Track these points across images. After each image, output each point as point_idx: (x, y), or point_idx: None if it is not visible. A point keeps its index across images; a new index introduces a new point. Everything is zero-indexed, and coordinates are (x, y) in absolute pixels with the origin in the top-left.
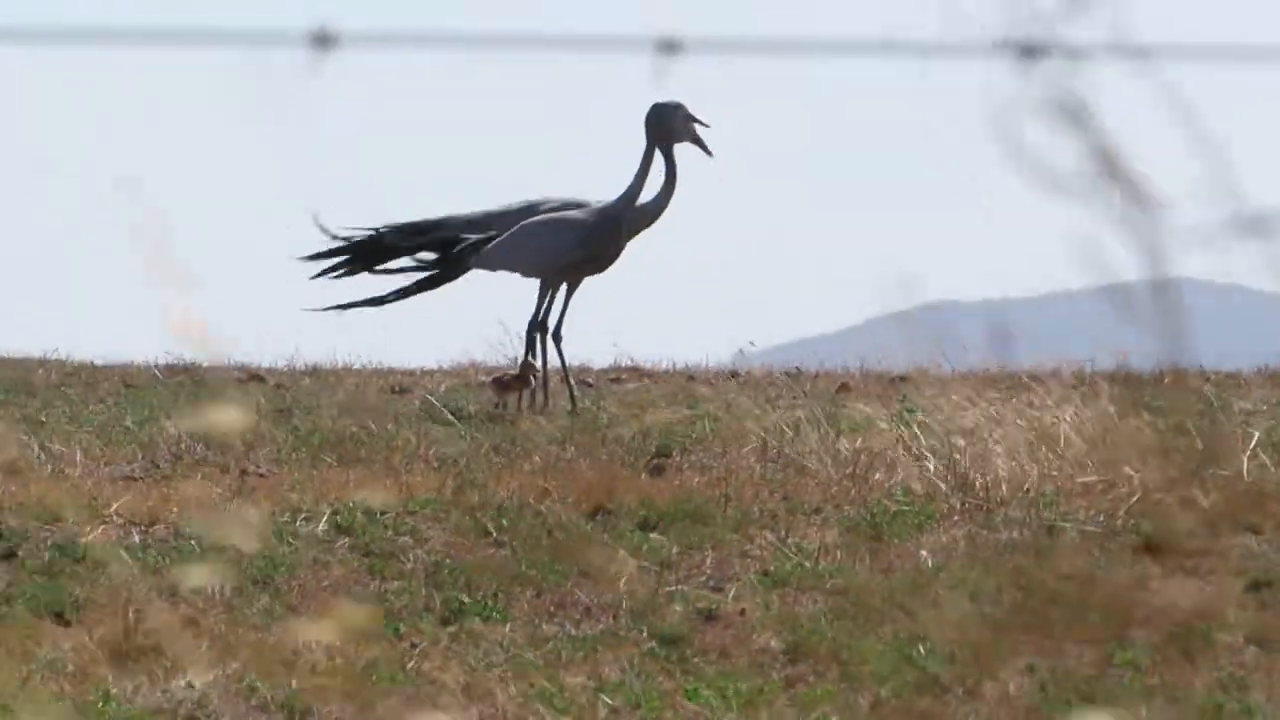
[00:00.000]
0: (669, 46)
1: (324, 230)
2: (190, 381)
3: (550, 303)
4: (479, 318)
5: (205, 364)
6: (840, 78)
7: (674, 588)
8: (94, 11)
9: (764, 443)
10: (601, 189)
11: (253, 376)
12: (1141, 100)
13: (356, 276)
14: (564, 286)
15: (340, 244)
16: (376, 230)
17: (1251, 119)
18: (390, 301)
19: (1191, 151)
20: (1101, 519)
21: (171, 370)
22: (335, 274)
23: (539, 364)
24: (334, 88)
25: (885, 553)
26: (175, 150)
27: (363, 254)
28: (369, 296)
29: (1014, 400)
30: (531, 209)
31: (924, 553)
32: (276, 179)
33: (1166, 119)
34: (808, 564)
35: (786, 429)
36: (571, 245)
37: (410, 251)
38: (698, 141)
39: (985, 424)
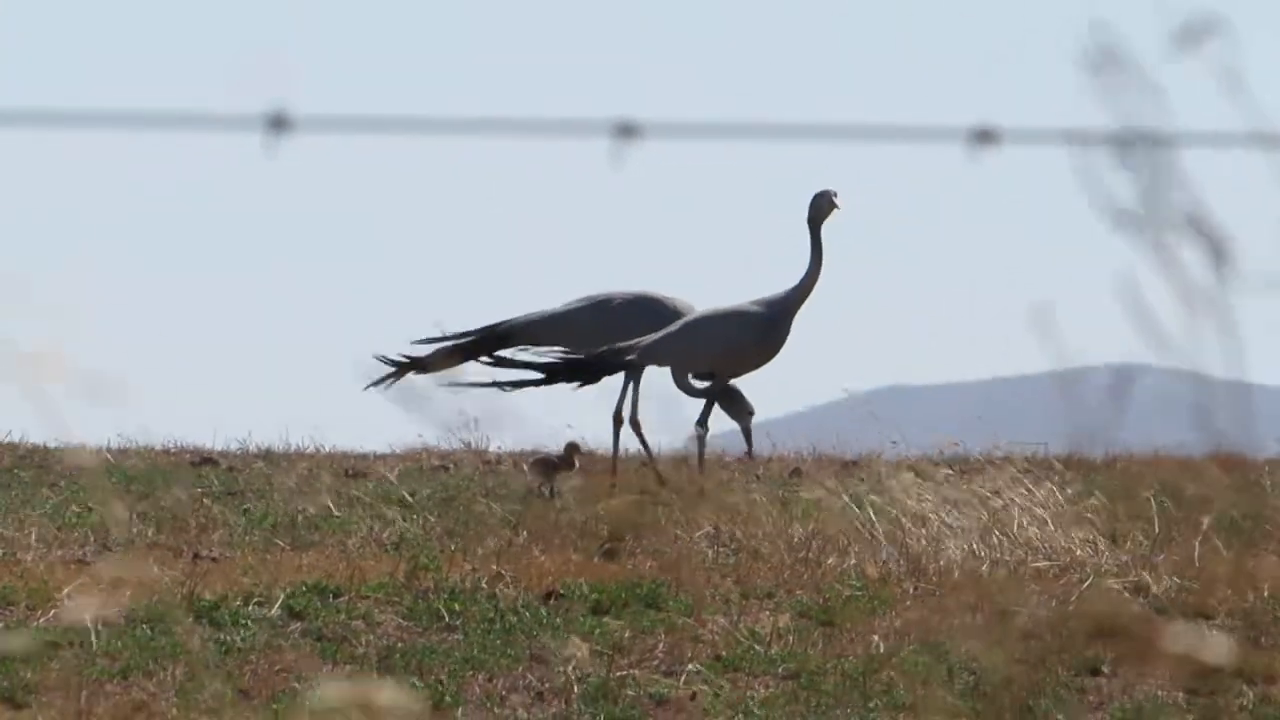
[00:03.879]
0: (626, 130)
1: (382, 359)
2: (142, 464)
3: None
4: (428, 402)
5: (157, 448)
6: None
7: (626, 672)
8: (46, 92)
9: (716, 526)
10: (567, 273)
11: (205, 459)
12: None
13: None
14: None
15: (403, 359)
16: (447, 338)
17: None
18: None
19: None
20: (1053, 604)
21: (124, 453)
22: (392, 380)
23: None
24: (291, 170)
25: (838, 637)
26: (123, 228)
27: (423, 365)
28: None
29: (966, 484)
30: (603, 305)
31: (876, 637)
32: (231, 261)
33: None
34: (760, 648)
35: (739, 512)
36: (752, 339)
37: (484, 351)
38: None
39: (938, 508)
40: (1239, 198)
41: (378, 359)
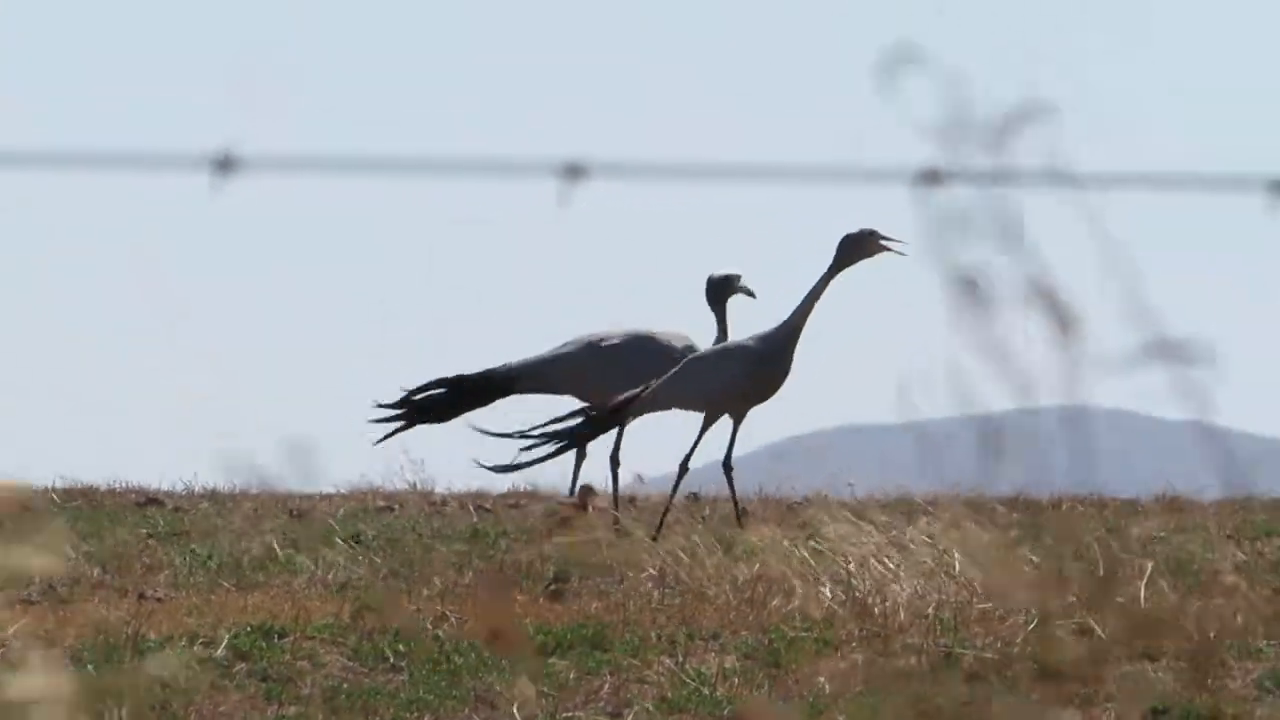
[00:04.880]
0: (573, 171)
1: (381, 404)
2: (87, 505)
3: (727, 437)
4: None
5: (102, 488)
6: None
7: (571, 713)
8: None
9: (662, 568)
10: (516, 311)
11: (151, 500)
12: (1063, 225)
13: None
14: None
15: (404, 402)
16: (444, 383)
17: (1164, 246)
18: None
19: (1108, 276)
20: (999, 646)
21: (68, 494)
22: (398, 428)
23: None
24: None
25: (783, 679)
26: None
27: (433, 409)
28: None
29: (912, 526)
30: (595, 346)
31: (822, 679)
32: (173, 303)
33: (1087, 245)
34: (705, 690)
35: (684, 555)
36: (747, 374)
37: (481, 403)
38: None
39: (883, 550)
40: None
41: (380, 410)
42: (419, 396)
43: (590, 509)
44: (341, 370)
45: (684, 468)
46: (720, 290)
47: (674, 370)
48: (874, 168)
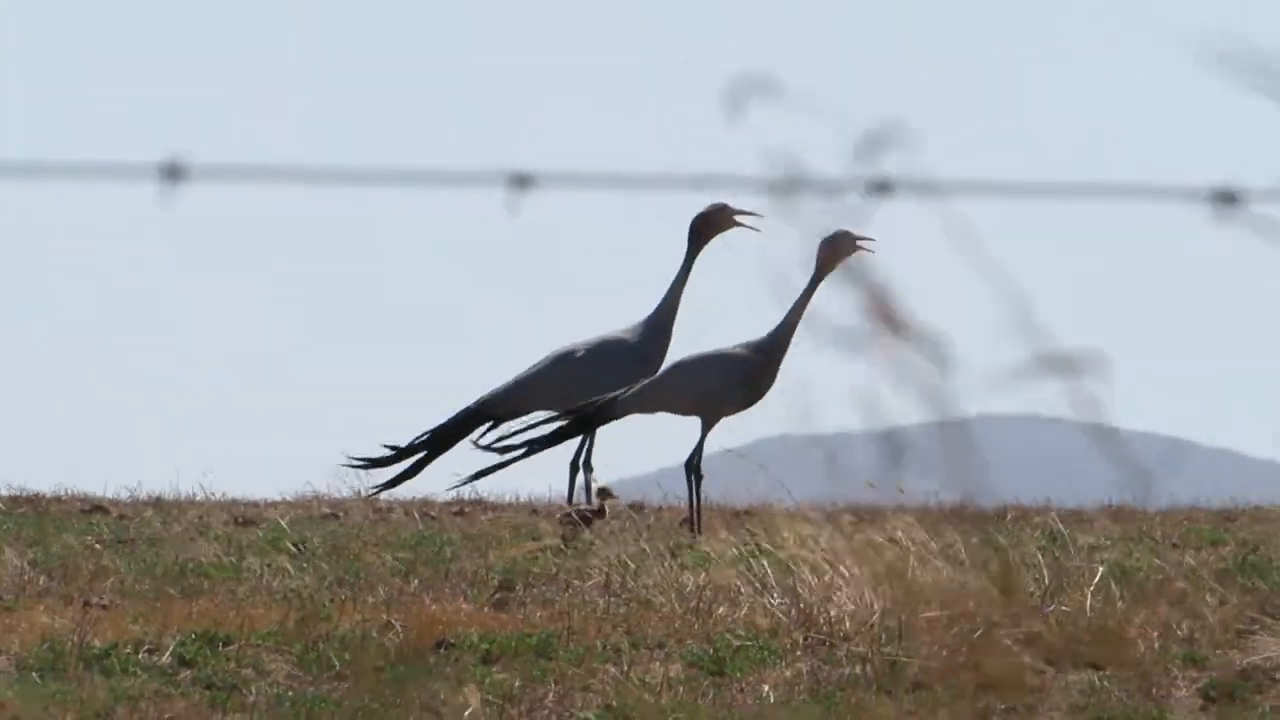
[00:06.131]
0: (521, 181)
1: (364, 460)
2: (33, 513)
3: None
4: (320, 449)
5: (48, 495)
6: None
7: None
8: None
9: (607, 576)
10: (466, 322)
11: (96, 507)
12: (937, 242)
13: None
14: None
15: (389, 460)
16: (436, 430)
17: (1043, 259)
18: (527, 455)
19: (991, 292)
20: (944, 654)
21: (14, 501)
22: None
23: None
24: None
25: (728, 688)
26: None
27: (430, 447)
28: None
29: (857, 534)
30: (568, 357)
31: (767, 688)
32: (119, 310)
33: (964, 261)
34: (650, 698)
35: (629, 562)
36: (738, 382)
37: (469, 432)
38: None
39: (829, 558)
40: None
41: (358, 461)
42: (405, 448)
43: (606, 512)
44: (291, 377)
45: (697, 472)
46: (709, 224)
47: (662, 372)
48: (823, 180)
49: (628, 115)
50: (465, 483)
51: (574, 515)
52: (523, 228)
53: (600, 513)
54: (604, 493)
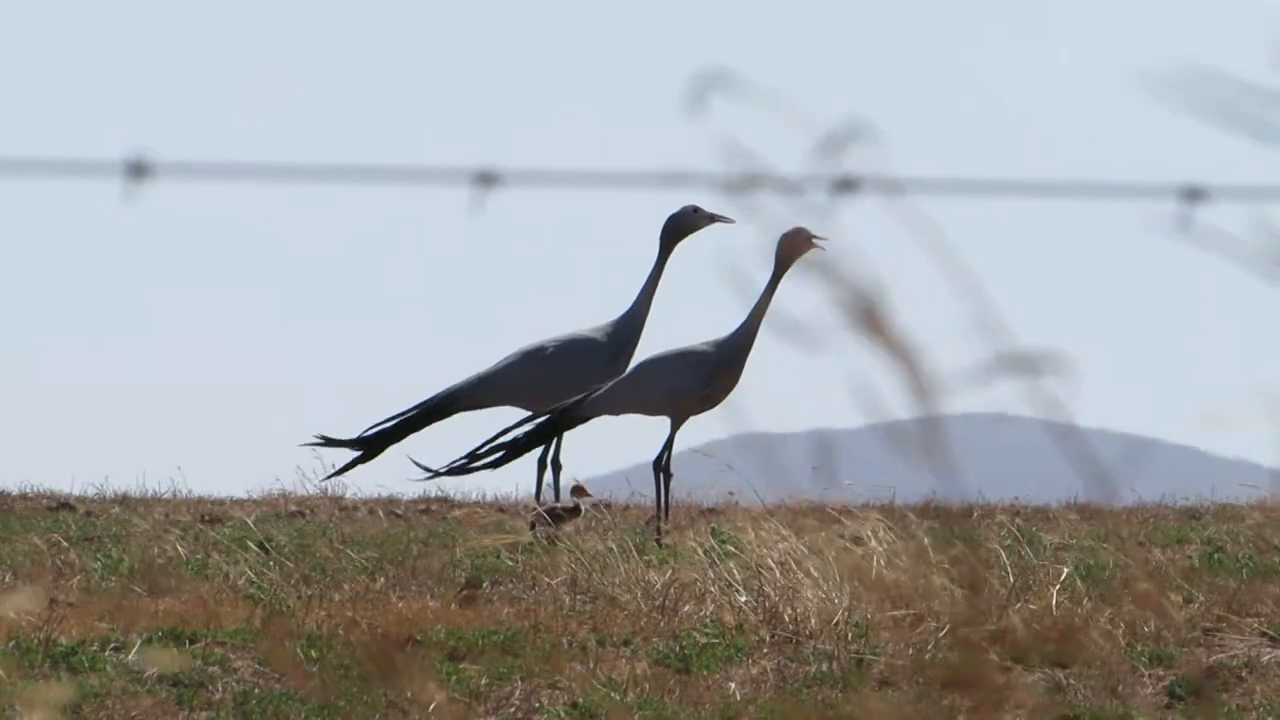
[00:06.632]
0: (486, 178)
1: (325, 439)
2: None
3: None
4: (285, 447)
5: (14, 493)
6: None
7: (482, 719)
8: None
9: (574, 574)
10: (430, 319)
11: (62, 505)
12: (901, 242)
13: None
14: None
15: (357, 442)
16: (396, 419)
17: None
18: (500, 463)
19: (955, 291)
20: (910, 652)
21: None
22: (345, 470)
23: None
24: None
25: (694, 685)
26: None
27: (380, 442)
28: (469, 462)
29: (823, 532)
30: (537, 354)
31: (733, 685)
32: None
33: (928, 259)
34: (616, 695)
35: (596, 560)
36: (704, 380)
37: (425, 426)
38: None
39: (795, 556)
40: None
41: (321, 440)
42: (371, 433)
43: (582, 509)
44: (258, 375)
45: (666, 470)
46: (681, 226)
47: (629, 372)
48: (788, 176)
49: (593, 113)
50: (433, 477)
51: (549, 514)
52: (490, 225)
53: (576, 510)
54: (579, 490)
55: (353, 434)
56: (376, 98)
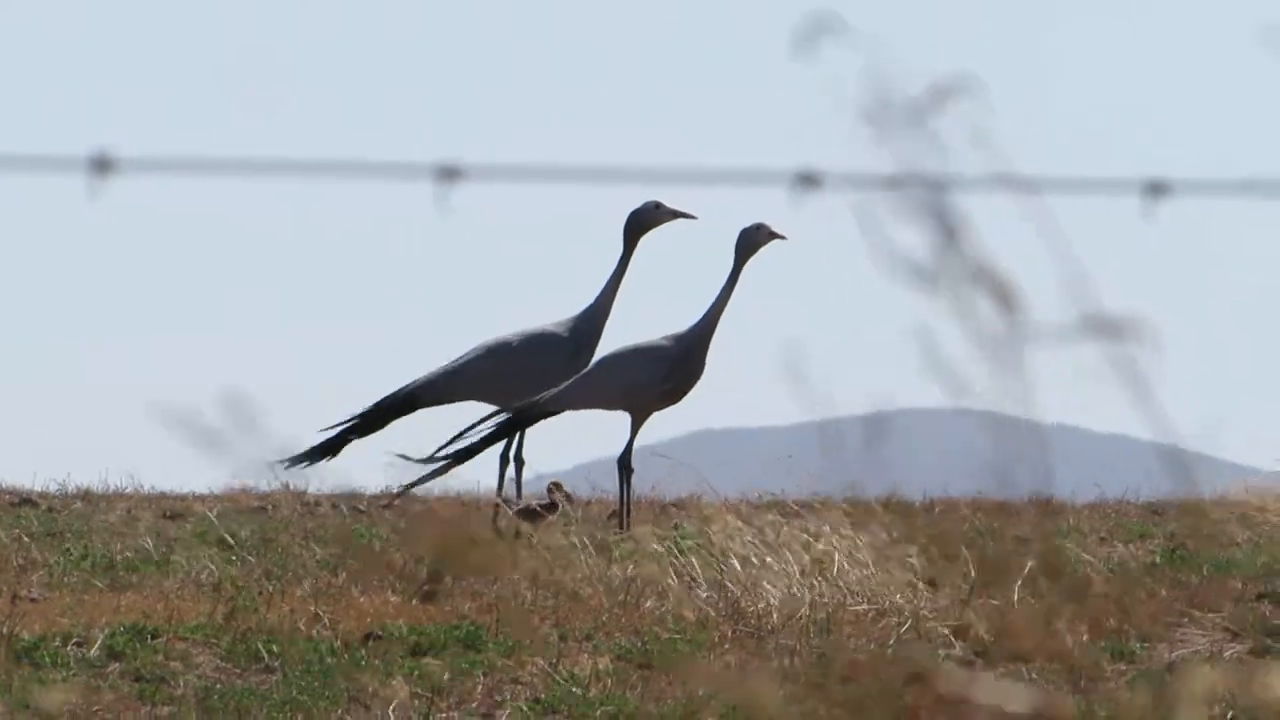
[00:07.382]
0: (449, 173)
1: (290, 460)
2: None
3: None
4: (249, 443)
5: None
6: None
7: (445, 714)
8: None
9: (536, 569)
10: (395, 314)
11: (24, 500)
12: (1006, 218)
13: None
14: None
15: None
16: (366, 412)
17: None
18: (459, 462)
19: (1049, 261)
20: (872, 647)
21: None
22: (308, 463)
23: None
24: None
25: (657, 680)
26: None
27: (341, 440)
28: (435, 465)
29: (786, 527)
30: (500, 349)
31: (694, 680)
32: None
33: (1032, 237)
34: (578, 691)
35: (558, 555)
36: (662, 374)
37: (389, 419)
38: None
39: (757, 551)
40: (1018, 248)
41: (286, 462)
42: (334, 432)
43: (559, 506)
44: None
45: (629, 467)
46: (642, 221)
47: (588, 369)
48: (753, 169)
49: (558, 107)
50: (406, 485)
51: (526, 512)
52: (453, 220)
53: (553, 507)
54: (556, 486)
55: (315, 429)
56: (368, 96)
